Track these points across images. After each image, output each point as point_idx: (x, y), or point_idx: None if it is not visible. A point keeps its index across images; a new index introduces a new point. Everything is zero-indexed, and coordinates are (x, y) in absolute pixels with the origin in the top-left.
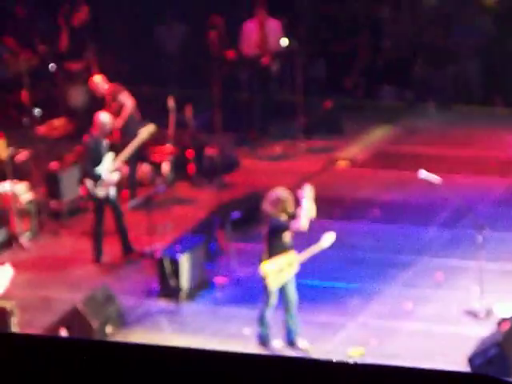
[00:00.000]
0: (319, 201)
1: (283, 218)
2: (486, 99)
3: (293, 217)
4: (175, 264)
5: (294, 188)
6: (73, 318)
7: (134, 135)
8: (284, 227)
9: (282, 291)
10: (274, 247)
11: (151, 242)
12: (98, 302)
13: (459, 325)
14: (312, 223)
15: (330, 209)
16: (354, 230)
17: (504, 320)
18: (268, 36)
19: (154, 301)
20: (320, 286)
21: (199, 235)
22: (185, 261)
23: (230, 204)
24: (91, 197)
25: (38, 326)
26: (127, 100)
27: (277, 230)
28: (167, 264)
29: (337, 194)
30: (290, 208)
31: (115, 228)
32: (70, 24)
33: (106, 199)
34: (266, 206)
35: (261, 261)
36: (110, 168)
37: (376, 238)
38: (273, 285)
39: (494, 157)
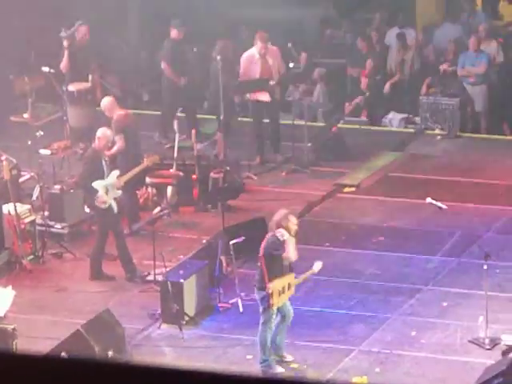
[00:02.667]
0: (324, 226)
1: (282, 234)
2: (493, 127)
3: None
4: (178, 289)
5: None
6: (75, 342)
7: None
8: (280, 248)
9: (280, 308)
10: (274, 269)
11: (154, 266)
12: (100, 326)
13: (464, 354)
14: (315, 250)
15: (334, 235)
16: (358, 256)
17: (509, 349)
18: (271, 64)
19: (156, 326)
20: (324, 312)
21: (203, 260)
22: (188, 285)
23: (234, 229)
24: (97, 208)
25: (39, 348)
26: (119, 141)
27: (275, 250)
28: (170, 289)
29: (342, 220)
30: (293, 231)
31: (117, 249)
32: (71, 45)
33: (111, 212)
34: (275, 216)
35: (262, 281)
36: (113, 184)
37: (381, 265)
38: (276, 304)
39: (501, 185)
